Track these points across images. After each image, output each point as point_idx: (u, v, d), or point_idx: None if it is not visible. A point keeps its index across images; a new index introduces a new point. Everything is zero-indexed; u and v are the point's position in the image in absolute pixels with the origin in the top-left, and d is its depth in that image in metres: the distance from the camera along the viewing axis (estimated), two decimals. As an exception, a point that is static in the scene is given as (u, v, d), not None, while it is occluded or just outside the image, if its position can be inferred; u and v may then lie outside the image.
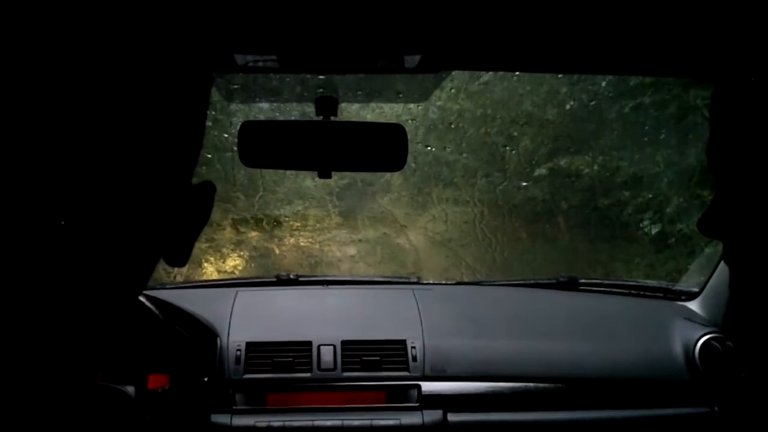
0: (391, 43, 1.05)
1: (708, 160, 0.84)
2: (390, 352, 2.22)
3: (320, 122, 1.54)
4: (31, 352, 0.49)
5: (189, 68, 0.55)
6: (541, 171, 4.57)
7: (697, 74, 1.22)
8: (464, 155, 4.52)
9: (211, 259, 4.33)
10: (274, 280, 2.66)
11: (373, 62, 1.19)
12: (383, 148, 1.54)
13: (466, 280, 3.57)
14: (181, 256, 0.63)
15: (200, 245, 4.30)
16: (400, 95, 1.92)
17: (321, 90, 1.55)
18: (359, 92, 1.73)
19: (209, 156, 4.10)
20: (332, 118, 1.55)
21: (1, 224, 0.43)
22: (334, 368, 2.18)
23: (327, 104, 1.54)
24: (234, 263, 4.41)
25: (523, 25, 0.96)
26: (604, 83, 4.38)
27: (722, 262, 2.31)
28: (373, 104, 3.61)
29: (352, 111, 3.24)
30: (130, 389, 1.91)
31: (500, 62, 1.30)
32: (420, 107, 4.07)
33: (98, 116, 0.46)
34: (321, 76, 1.45)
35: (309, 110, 1.67)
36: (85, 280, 0.49)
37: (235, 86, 1.59)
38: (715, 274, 2.39)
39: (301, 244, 4.43)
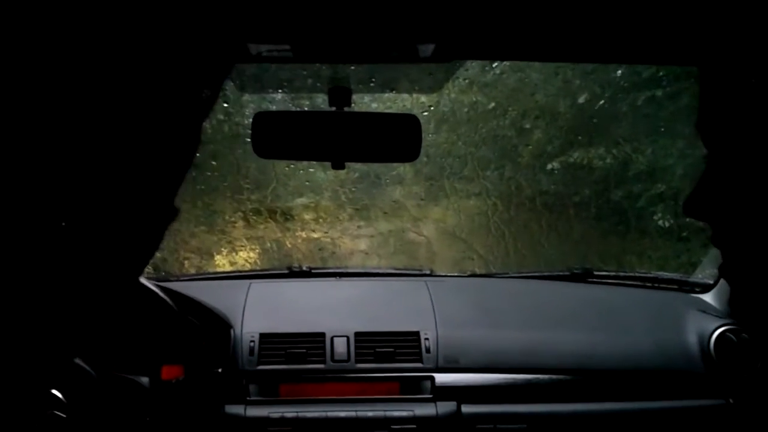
0: (404, 32, 1.04)
1: (701, 136, 0.83)
2: (403, 344, 2.22)
3: (333, 113, 1.54)
4: (44, 345, 0.49)
5: (198, 65, 0.54)
6: (553, 163, 4.55)
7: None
8: (476, 147, 4.51)
9: (224, 251, 4.34)
10: (287, 272, 2.66)
11: (387, 51, 1.18)
12: (397, 139, 1.54)
13: (478, 272, 3.56)
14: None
15: (212, 237, 4.32)
16: (414, 86, 1.91)
17: (334, 80, 1.55)
18: (372, 83, 1.73)
19: (222, 147, 4.11)
20: (345, 108, 1.55)
21: (10, 225, 0.43)
22: (348, 359, 2.19)
23: (340, 95, 1.53)
24: (246, 255, 4.42)
25: (538, 13, 0.96)
26: (618, 74, 4.35)
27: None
28: (384, 96, 3.61)
29: (363, 103, 3.23)
30: (144, 380, 1.92)
31: (515, 51, 1.29)
32: (432, 99, 4.06)
33: (99, 114, 0.45)
34: (333, 67, 1.45)
35: (321, 101, 1.67)
36: (91, 275, 0.49)
37: (248, 76, 1.58)
38: (730, 266, 2.37)
39: (313, 236, 4.43)
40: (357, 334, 2.23)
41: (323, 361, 2.19)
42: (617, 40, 1.08)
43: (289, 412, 2.08)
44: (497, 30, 1.03)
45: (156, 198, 0.54)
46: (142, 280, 2.04)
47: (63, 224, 0.46)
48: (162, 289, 2.04)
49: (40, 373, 0.49)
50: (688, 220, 4.29)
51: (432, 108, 4.16)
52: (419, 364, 2.19)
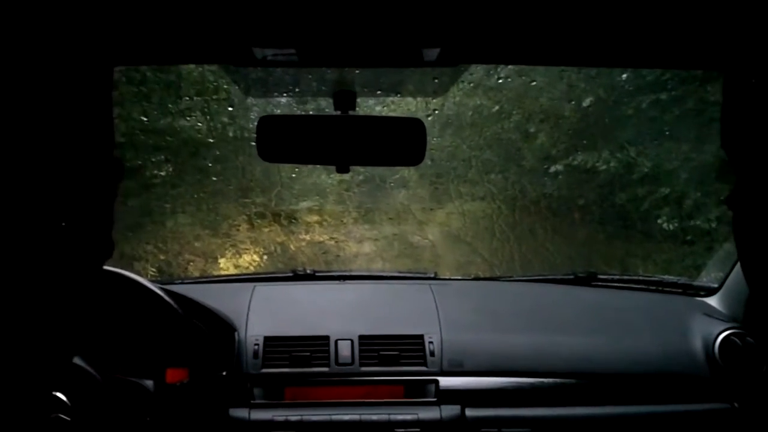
0: (410, 36, 1.05)
1: (721, 138, 0.83)
2: (407, 347, 2.22)
3: (338, 116, 1.54)
4: (47, 347, 0.49)
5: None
6: (557, 167, 4.55)
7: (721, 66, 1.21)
8: (481, 151, 4.51)
9: (228, 254, 4.35)
10: (291, 275, 2.66)
11: (392, 56, 1.18)
12: (401, 143, 1.54)
13: (483, 275, 3.56)
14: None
15: (217, 240, 4.32)
16: (419, 90, 1.92)
17: (339, 84, 1.55)
18: (377, 87, 1.73)
19: (226, 151, 4.12)
20: (350, 112, 1.55)
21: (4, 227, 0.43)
22: (352, 363, 2.18)
23: (345, 98, 1.54)
24: (250, 258, 4.43)
25: (541, 18, 0.96)
26: (622, 78, 4.35)
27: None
28: (389, 100, 3.61)
29: (367, 107, 3.24)
30: (149, 383, 1.92)
31: (519, 55, 1.30)
32: (437, 103, 4.06)
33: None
34: (338, 71, 1.45)
35: (326, 105, 1.68)
36: (89, 275, 0.49)
37: (253, 80, 1.59)
38: (734, 270, 2.37)
39: (318, 239, 4.43)
40: (361, 338, 2.23)
41: (327, 365, 2.18)
42: (628, 43, 1.08)
43: (294, 415, 2.08)
44: (502, 34, 1.03)
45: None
46: (146, 282, 2.04)
47: (63, 224, 0.46)
48: (166, 292, 2.04)
49: (43, 375, 0.49)
50: (692, 223, 4.29)
51: (437, 111, 4.16)
52: (423, 368, 2.19)
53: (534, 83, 4.41)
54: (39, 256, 0.47)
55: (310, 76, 1.53)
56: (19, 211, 0.47)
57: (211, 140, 4.19)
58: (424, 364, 2.19)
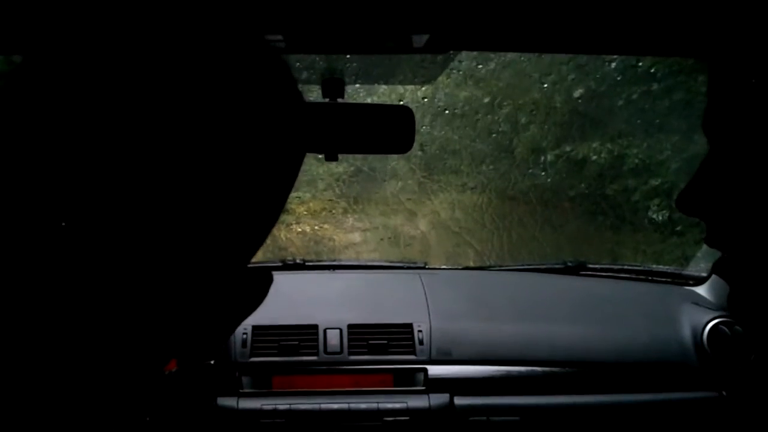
0: (398, 22, 1.04)
1: (705, 132, 0.82)
2: (396, 336, 2.22)
3: (327, 104, 1.54)
4: (38, 341, 0.48)
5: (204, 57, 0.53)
6: (548, 157, 4.55)
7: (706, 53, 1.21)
8: (472, 141, 4.51)
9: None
10: (280, 264, 2.65)
11: (381, 42, 1.18)
12: (390, 130, 1.53)
13: (472, 265, 3.57)
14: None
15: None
16: (407, 78, 1.91)
17: (327, 72, 1.54)
18: (366, 75, 1.72)
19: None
20: (339, 100, 1.55)
21: (17, 225, 0.42)
22: (341, 351, 2.18)
23: (334, 86, 1.53)
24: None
25: (531, 4, 0.95)
26: (612, 67, 4.35)
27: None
28: (380, 90, 3.60)
29: (357, 97, 3.23)
30: None
31: (509, 42, 1.29)
32: (426, 92, 4.06)
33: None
34: (327, 58, 1.44)
35: (314, 93, 1.67)
36: (97, 277, 0.49)
37: None
38: (723, 260, 2.38)
39: (307, 229, 4.43)
40: (350, 326, 2.23)
41: (316, 353, 2.18)
42: (618, 30, 1.07)
43: (282, 404, 2.08)
44: (491, 20, 1.02)
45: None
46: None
47: (63, 224, 0.46)
48: None
49: (31, 371, 0.49)
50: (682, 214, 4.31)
51: (426, 100, 4.15)
52: (412, 356, 2.19)
53: (524, 74, 4.41)
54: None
55: (298, 64, 1.52)
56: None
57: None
58: (413, 352, 2.19)
